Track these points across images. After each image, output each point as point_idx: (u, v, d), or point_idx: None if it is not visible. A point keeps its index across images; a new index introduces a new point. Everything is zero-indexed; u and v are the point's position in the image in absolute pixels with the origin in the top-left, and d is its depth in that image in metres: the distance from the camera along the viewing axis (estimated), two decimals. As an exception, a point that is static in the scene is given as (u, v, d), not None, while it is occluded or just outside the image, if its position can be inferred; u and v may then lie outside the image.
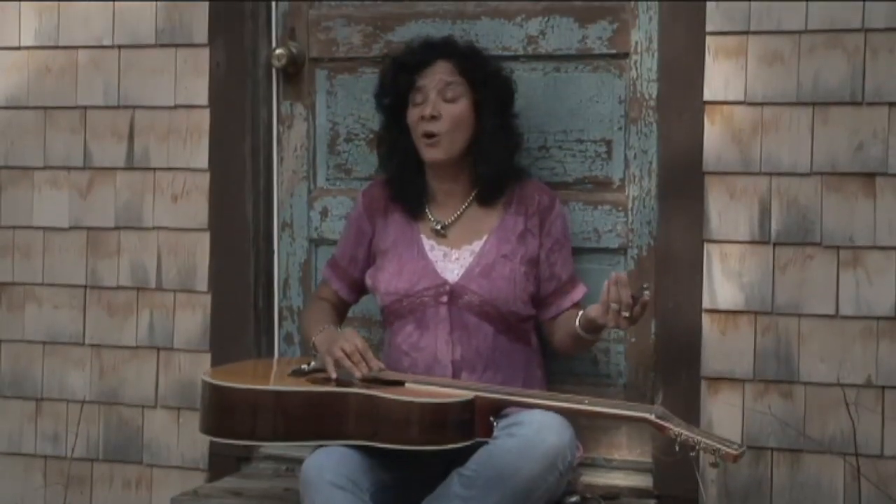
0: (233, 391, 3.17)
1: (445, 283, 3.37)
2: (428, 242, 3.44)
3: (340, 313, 3.61)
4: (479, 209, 3.45)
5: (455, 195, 3.46)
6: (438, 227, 3.44)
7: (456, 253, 3.42)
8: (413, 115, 3.40)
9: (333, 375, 3.20)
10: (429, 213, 3.47)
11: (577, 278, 3.47)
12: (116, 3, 3.94)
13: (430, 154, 3.39)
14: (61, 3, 4.00)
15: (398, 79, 3.42)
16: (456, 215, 3.46)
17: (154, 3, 3.91)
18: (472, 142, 3.41)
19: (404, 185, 3.46)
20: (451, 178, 3.45)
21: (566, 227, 3.48)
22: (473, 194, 3.46)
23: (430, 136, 3.37)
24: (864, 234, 3.34)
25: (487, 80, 3.42)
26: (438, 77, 3.37)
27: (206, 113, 3.88)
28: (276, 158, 3.93)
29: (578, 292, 3.45)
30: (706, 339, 3.46)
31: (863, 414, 3.33)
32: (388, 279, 3.41)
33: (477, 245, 3.41)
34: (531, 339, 3.48)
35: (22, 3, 4.03)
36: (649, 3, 3.57)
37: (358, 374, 3.18)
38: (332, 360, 3.22)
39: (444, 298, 3.36)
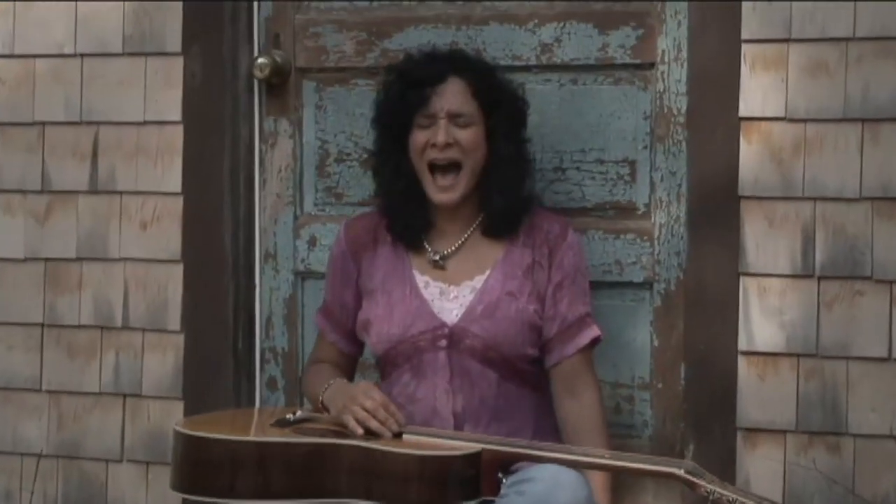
0: (208, 442, 3.11)
1: (443, 325, 3.25)
2: (422, 279, 3.31)
3: (346, 371, 3.47)
4: (482, 239, 3.32)
5: (457, 222, 3.32)
6: (437, 257, 3.31)
7: (455, 290, 3.29)
8: (419, 139, 3.25)
9: (360, 432, 3.09)
10: (426, 244, 3.34)
11: (588, 320, 3.30)
12: (79, 5, 3.88)
13: (442, 198, 3.25)
14: (17, 7, 3.93)
15: (406, 95, 3.26)
16: (457, 245, 3.32)
17: (122, 4, 3.85)
18: (482, 171, 3.29)
19: (406, 219, 3.32)
20: (455, 206, 3.32)
21: (579, 262, 3.33)
22: (477, 222, 3.32)
23: (441, 168, 3.23)
24: (920, 268, 3.29)
25: (502, 103, 3.31)
26: (450, 99, 3.22)
27: (180, 130, 3.81)
28: (259, 181, 3.85)
29: (585, 336, 3.27)
30: (742, 384, 3.39)
31: (919, 470, 3.29)
32: (377, 325, 3.30)
33: (479, 280, 3.28)
34: (541, 384, 3.33)
35: (-28, 6, 4.01)
36: (678, 6, 3.51)
37: (388, 434, 3.09)
38: (353, 419, 3.10)
39: (443, 343, 3.24)
